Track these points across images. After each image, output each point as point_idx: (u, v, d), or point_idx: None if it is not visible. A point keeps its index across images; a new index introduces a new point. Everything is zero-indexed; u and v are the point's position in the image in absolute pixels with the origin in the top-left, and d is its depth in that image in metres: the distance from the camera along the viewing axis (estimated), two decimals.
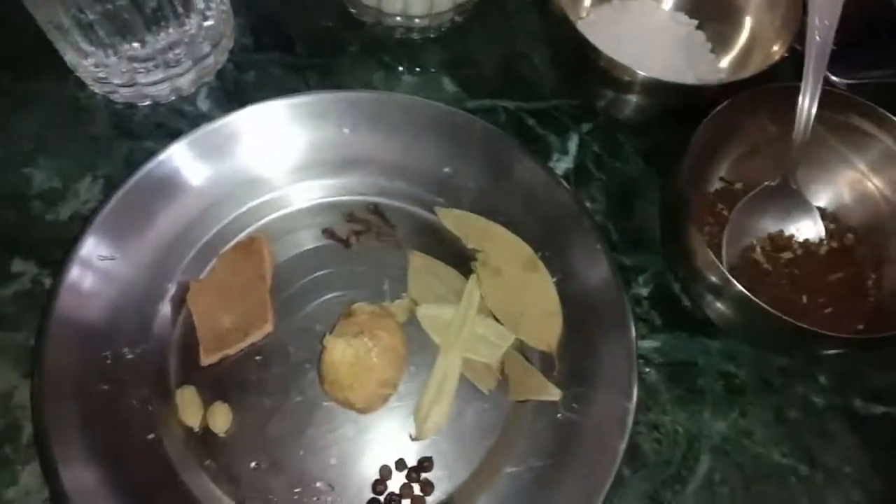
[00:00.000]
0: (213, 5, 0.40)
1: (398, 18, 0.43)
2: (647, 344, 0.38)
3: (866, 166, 0.38)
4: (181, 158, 0.37)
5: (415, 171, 0.39)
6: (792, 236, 0.38)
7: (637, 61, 0.40)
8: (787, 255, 0.37)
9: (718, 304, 0.34)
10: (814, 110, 0.36)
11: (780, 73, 0.40)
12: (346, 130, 0.39)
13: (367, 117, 0.39)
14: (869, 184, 0.38)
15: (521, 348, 0.36)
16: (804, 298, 0.36)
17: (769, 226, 0.38)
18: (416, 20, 0.43)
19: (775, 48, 0.41)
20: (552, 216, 0.38)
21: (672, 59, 0.43)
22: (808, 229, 0.38)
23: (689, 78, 0.42)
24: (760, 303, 0.31)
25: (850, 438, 0.36)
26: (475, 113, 0.43)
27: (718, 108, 0.36)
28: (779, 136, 0.38)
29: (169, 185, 0.37)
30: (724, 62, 0.44)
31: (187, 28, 0.39)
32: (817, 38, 0.36)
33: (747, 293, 0.31)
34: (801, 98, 0.36)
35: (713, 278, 0.33)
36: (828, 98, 0.36)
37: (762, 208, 0.37)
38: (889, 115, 0.37)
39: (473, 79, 0.44)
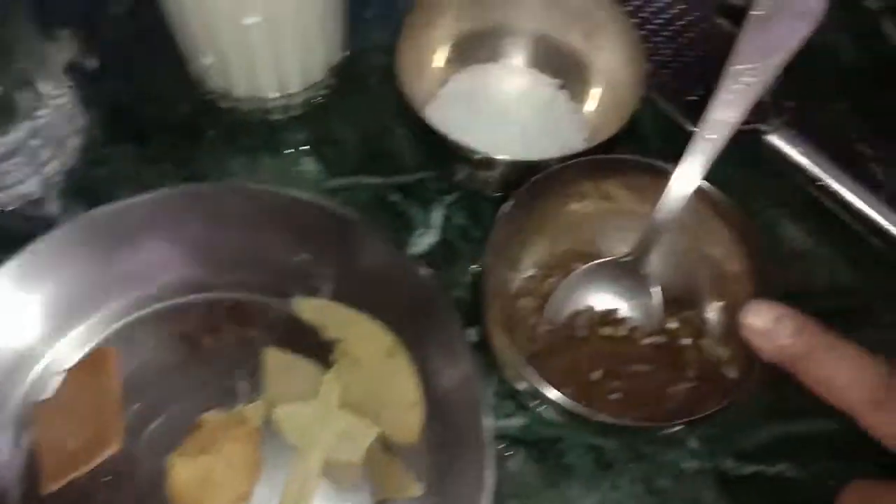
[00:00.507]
0: (41, 110, 0.39)
1: (253, 101, 0.43)
2: (515, 422, 0.37)
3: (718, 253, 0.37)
4: (14, 276, 0.36)
5: (269, 262, 0.38)
6: (624, 318, 0.37)
7: (492, 138, 0.40)
8: (607, 330, 0.37)
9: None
10: (690, 189, 0.34)
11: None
12: (195, 225, 0.38)
13: (218, 210, 0.38)
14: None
15: (384, 442, 0.36)
16: (598, 375, 0.36)
17: (603, 302, 0.38)
18: (270, 102, 0.43)
19: (628, 107, 0.41)
20: (411, 301, 0.37)
21: (534, 127, 0.43)
22: (645, 315, 0.37)
23: (550, 146, 0.42)
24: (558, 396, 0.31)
25: (721, 502, 0.36)
26: (337, 192, 0.42)
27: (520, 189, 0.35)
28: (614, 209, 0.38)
29: (4, 303, 0.36)
30: (586, 124, 0.44)
31: (14, 137, 0.38)
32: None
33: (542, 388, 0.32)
34: (682, 168, 0.34)
35: (522, 385, 0.33)
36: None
37: (603, 282, 0.37)
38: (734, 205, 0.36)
39: (336, 157, 0.44)
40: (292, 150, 0.44)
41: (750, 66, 0.33)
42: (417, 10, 0.41)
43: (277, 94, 0.42)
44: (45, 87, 0.41)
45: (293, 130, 0.44)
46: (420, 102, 0.42)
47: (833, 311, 0.40)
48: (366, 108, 0.45)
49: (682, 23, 0.47)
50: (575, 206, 0.39)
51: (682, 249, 0.38)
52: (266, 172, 0.43)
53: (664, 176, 0.35)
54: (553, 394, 0.31)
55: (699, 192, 0.35)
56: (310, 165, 0.43)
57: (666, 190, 0.35)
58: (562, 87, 0.45)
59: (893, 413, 0.28)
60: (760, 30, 0.33)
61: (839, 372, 0.29)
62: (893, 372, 0.29)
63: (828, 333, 0.29)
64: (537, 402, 0.34)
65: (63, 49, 0.45)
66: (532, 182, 0.36)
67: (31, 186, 0.40)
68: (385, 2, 0.48)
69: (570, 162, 0.36)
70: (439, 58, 0.44)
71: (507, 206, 0.35)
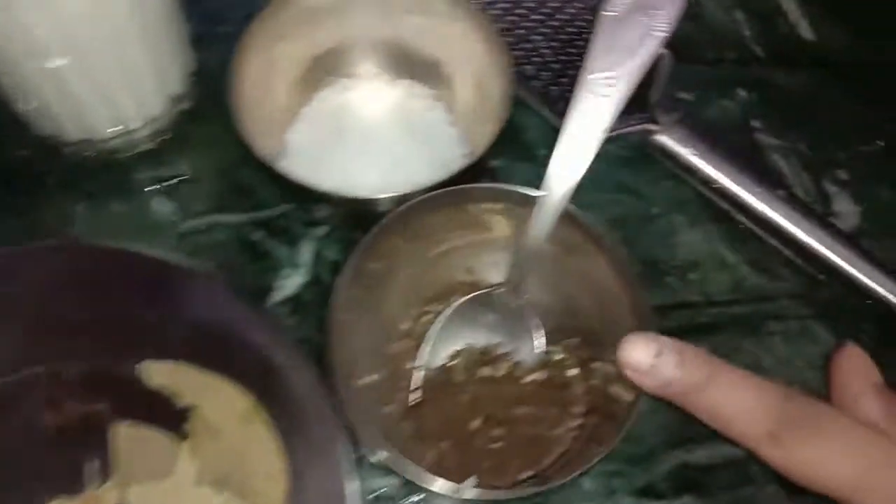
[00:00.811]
0: None
1: (91, 142, 0.39)
2: (389, 482, 0.34)
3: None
4: None
5: (112, 326, 0.34)
6: (505, 354, 0.34)
7: (360, 166, 0.36)
8: (486, 371, 0.34)
9: None
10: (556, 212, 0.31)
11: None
12: (25, 290, 0.34)
13: (49, 272, 0.34)
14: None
15: None
16: (477, 423, 0.33)
17: (481, 338, 0.35)
18: (111, 142, 0.39)
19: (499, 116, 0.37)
20: (268, 359, 0.33)
21: (409, 145, 0.40)
22: (526, 348, 0.34)
23: (426, 166, 0.38)
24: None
25: None
26: (193, 235, 0.39)
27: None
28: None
29: None
30: (463, 136, 0.40)
31: None
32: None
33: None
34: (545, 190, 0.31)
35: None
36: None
37: (479, 316, 0.34)
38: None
39: (189, 195, 0.40)
40: (141, 192, 0.40)
41: (606, 74, 0.30)
42: (254, 30, 0.37)
43: (116, 130, 0.38)
44: None
45: (140, 169, 0.40)
46: (270, 134, 0.38)
47: (737, 318, 0.38)
48: (219, 137, 0.41)
49: (563, 17, 0.43)
50: (448, 236, 0.35)
51: (559, 274, 0.34)
52: (114, 219, 0.39)
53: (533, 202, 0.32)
54: (409, 471, 0.28)
55: (568, 215, 0.31)
56: (162, 207, 0.39)
57: (532, 214, 0.31)
58: (437, 98, 0.41)
59: (790, 447, 0.26)
60: (614, 32, 0.30)
61: (731, 404, 0.26)
62: (790, 396, 0.26)
63: (715, 362, 0.27)
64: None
65: None
66: (398, 212, 0.32)
67: None
68: (239, 17, 0.44)
69: (441, 190, 0.33)
70: (290, 79, 0.40)
71: (367, 238, 0.32)
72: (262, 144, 0.36)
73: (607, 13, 0.30)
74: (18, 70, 0.33)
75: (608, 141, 0.30)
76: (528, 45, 0.42)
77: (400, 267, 0.35)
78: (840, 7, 0.47)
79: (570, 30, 0.43)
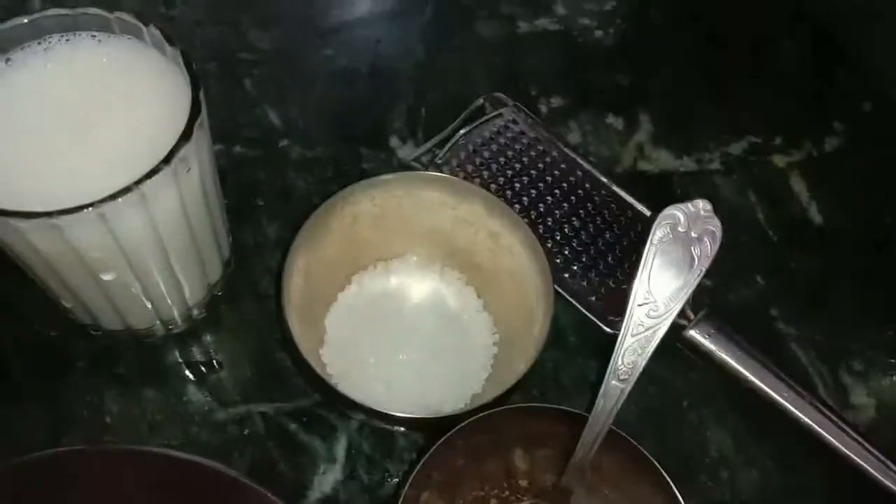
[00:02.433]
0: None
1: (127, 331, 0.38)
2: None
3: None
4: None
5: None
6: None
7: (398, 373, 0.36)
8: None
9: None
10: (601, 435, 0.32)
11: None
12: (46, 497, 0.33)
13: (73, 476, 0.33)
14: None
15: None
16: None
17: None
18: (146, 329, 0.38)
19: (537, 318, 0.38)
20: None
21: (443, 342, 0.40)
22: None
23: (461, 382, 0.39)
24: None
25: None
26: (228, 425, 0.38)
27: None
28: None
29: None
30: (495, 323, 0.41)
31: None
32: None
33: None
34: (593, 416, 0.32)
35: None
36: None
37: None
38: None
39: (224, 382, 0.39)
40: (174, 377, 0.39)
41: (652, 302, 0.31)
42: (303, 234, 0.37)
43: (154, 325, 0.38)
44: None
45: (172, 352, 0.40)
46: (309, 322, 0.38)
47: None
48: (253, 319, 0.41)
49: (589, 206, 0.44)
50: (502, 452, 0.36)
51: (607, 491, 0.35)
52: (147, 406, 0.39)
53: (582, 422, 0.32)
54: None
55: (614, 435, 0.32)
56: (196, 395, 0.39)
57: (581, 438, 0.32)
58: (471, 286, 0.42)
59: None
60: (659, 262, 0.31)
61: None
62: None
63: None
64: None
65: None
66: (447, 439, 0.33)
67: None
68: (275, 190, 0.45)
69: (491, 411, 0.34)
70: (333, 268, 0.40)
71: (418, 468, 0.32)
72: (301, 332, 0.36)
73: (651, 244, 0.31)
74: (67, 281, 0.33)
75: None
76: (559, 238, 0.43)
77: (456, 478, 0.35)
78: (847, 191, 0.50)
79: (595, 216, 0.44)
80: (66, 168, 0.31)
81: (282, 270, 0.36)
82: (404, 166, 0.47)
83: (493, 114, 0.47)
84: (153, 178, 0.29)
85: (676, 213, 0.31)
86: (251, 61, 0.50)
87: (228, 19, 0.51)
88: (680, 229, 0.32)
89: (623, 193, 0.45)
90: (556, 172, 0.45)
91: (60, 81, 0.33)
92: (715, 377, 0.41)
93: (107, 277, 0.32)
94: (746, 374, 0.40)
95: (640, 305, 0.32)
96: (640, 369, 0.32)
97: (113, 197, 0.28)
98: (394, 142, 0.48)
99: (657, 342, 0.32)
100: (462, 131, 0.46)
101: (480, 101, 0.49)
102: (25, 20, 0.32)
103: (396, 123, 0.49)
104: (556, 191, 0.44)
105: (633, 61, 0.53)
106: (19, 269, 0.35)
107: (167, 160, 0.29)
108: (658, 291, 0.32)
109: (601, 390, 0.32)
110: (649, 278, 0.32)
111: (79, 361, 0.39)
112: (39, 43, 0.33)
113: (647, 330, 0.32)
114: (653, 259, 0.32)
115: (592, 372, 0.41)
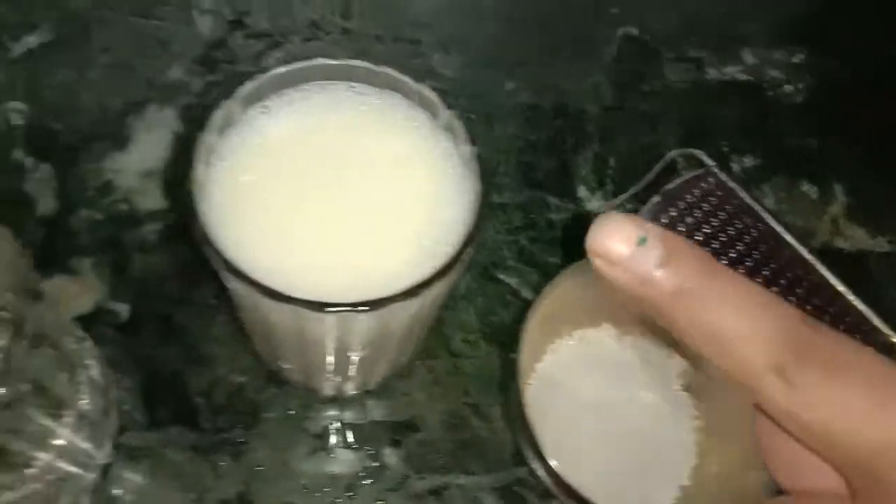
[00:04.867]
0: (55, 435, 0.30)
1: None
2: None
3: None
4: None
5: None
6: None
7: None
8: None
9: None
10: None
11: None
12: None
13: None
14: None
15: None
16: None
17: None
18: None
19: None
20: None
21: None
22: None
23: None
24: None
25: None
26: (426, 498, 0.36)
27: None
28: None
29: None
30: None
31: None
32: None
33: None
34: None
35: None
36: None
37: None
38: None
39: (420, 448, 0.37)
40: (371, 439, 0.37)
41: None
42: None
43: (359, 391, 0.36)
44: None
45: (370, 410, 0.38)
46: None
47: None
48: (451, 380, 0.39)
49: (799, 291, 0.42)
50: None
51: None
52: (339, 467, 0.37)
53: None
54: None
55: None
56: (390, 460, 0.37)
57: None
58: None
59: (802, 384, 0.19)
60: None
61: (733, 322, 0.20)
62: (809, 320, 0.20)
63: (715, 265, 0.21)
64: None
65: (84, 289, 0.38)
66: None
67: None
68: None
69: None
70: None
71: None
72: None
73: None
74: (303, 354, 0.31)
75: None
76: None
77: None
78: None
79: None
80: (321, 234, 0.28)
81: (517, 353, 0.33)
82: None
83: (694, 173, 0.44)
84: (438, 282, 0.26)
85: None
86: (433, 88, 0.47)
87: (409, 37, 0.48)
88: None
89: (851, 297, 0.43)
90: (763, 248, 0.43)
91: (316, 134, 0.30)
92: None
93: (355, 357, 0.30)
94: None
95: None
96: None
97: (394, 299, 0.25)
98: (582, 191, 0.45)
99: None
100: (666, 187, 0.43)
101: (673, 154, 0.46)
102: (283, 70, 0.29)
103: (583, 170, 0.46)
104: (765, 271, 0.42)
105: (824, 123, 0.50)
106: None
107: (454, 261, 0.26)
108: None
109: None
110: None
111: (269, 412, 0.37)
112: (297, 91, 0.30)
113: None
114: None
115: None
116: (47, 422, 0.30)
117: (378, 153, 0.30)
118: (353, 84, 0.30)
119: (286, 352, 0.32)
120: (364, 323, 0.26)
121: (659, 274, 0.20)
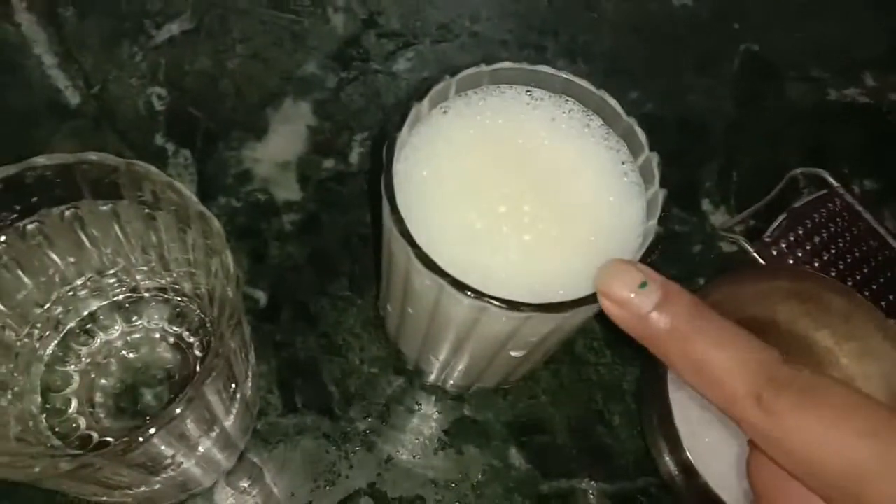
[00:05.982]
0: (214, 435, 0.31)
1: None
2: None
3: None
4: None
5: None
6: None
7: None
8: None
9: None
10: None
11: None
12: None
13: None
14: None
15: None
16: None
17: None
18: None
19: None
20: None
21: None
22: None
23: None
24: None
25: None
26: (550, 500, 0.37)
27: None
28: None
29: None
30: None
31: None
32: None
33: None
34: None
35: None
36: None
37: None
38: None
39: (546, 450, 0.38)
40: (497, 438, 0.38)
41: None
42: None
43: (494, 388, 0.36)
44: None
45: (496, 409, 0.38)
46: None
47: None
48: (576, 385, 0.39)
49: None
50: None
51: None
52: (466, 465, 0.37)
53: None
54: None
55: None
56: (516, 460, 0.37)
57: None
58: None
59: (781, 412, 0.20)
60: None
61: (719, 360, 0.22)
62: (789, 362, 0.22)
63: (704, 309, 0.23)
64: None
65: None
66: None
67: (198, 474, 0.33)
68: None
69: None
70: None
71: None
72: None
73: None
74: (460, 351, 0.31)
75: None
76: None
77: None
78: None
79: None
80: (500, 234, 0.28)
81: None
82: (719, 235, 0.44)
83: (819, 193, 0.45)
84: None
85: None
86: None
87: (535, 43, 0.49)
88: None
89: None
90: (889, 274, 0.43)
91: (492, 134, 0.30)
92: None
93: (517, 354, 0.30)
94: None
95: None
96: None
97: (583, 302, 0.25)
98: (706, 205, 0.45)
99: None
100: (793, 206, 0.43)
101: (796, 173, 0.46)
102: (471, 72, 0.30)
103: (707, 183, 0.46)
104: (891, 296, 0.42)
105: None
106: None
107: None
108: None
109: None
110: None
111: (401, 405, 0.38)
112: (476, 93, 0.31)
113: None
114: None
115: None
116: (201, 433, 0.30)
117: (551, 157, 0.30)
118: (530, 88, 0.31)
119: (440, 348, 0.32)
120: (546, 324, 0.27)
121: (655, 315, 0.23)
